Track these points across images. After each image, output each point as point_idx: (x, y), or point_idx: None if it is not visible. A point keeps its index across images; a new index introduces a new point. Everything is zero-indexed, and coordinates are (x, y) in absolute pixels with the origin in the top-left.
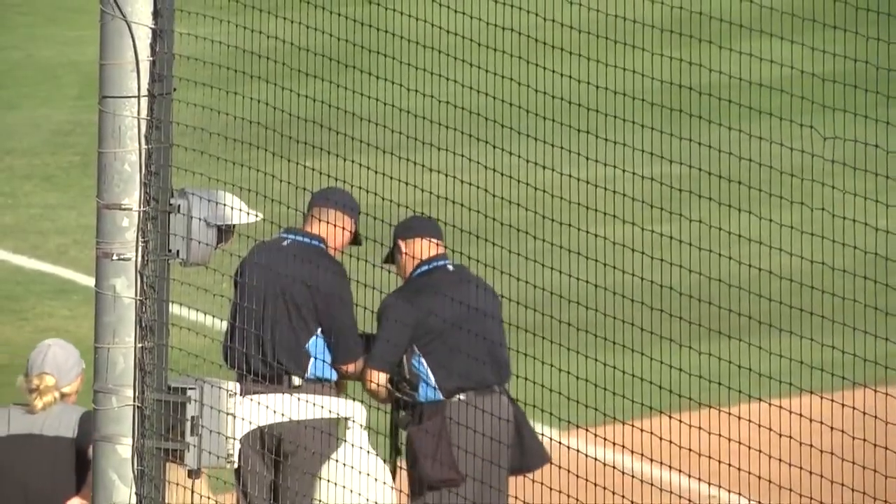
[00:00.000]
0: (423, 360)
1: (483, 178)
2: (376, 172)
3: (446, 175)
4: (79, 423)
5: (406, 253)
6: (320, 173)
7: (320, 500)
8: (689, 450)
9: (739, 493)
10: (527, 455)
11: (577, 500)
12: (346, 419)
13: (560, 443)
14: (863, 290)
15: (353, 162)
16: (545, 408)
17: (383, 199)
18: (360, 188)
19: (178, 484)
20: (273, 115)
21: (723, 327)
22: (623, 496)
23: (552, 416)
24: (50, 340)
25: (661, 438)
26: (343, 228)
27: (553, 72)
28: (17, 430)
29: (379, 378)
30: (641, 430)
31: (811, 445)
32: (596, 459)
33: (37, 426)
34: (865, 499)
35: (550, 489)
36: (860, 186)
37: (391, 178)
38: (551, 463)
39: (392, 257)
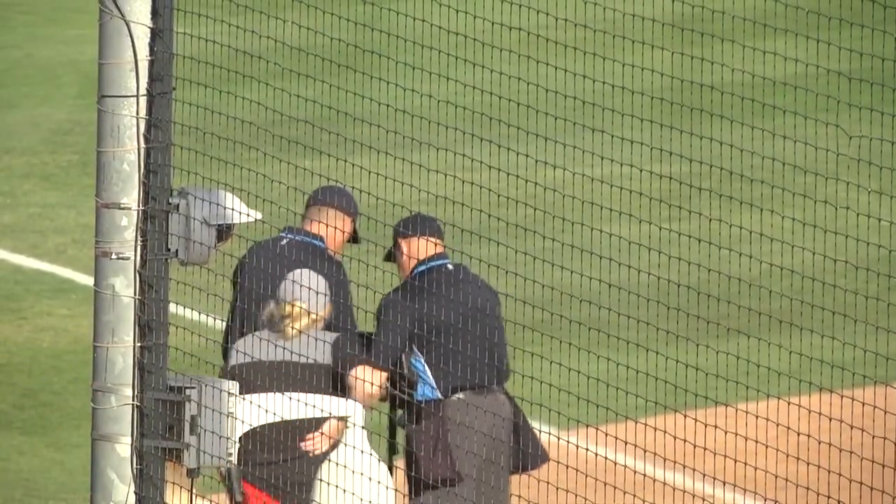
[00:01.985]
0: (421, 360)
1: (489, 176)
2: (377, 174)
3: (453, 176)
4: (333, 347)
5: (406, 252)
6: (321, 176)
7: (319, 500)
8: (704, 448)
9: (754, 492)
10: (525, 454)
11: (586, 499)
12: (345, 419)
13: (568, 442)
14: (885, 287)
15: (355, 165)
16: (554, 407)
17: (386, 201)
18: (364, 191)
19: (173, 483)
20: (273, 116)
21: (740, 325)
22: (635, 495)
23: (561, 416)
24: (300, 270)
25: (675, 437)
26: (342, 228)
27: (561, 69)
28: (269, 357)
29: (378, 377)
30: (655, 429)
31: (830, 444)
32: (607, 459)
33: (289, 353)
34: (884, 497)
35: (568, 491)
36: (878, 183)
37: (394, 180)
38: (558, 462)
39: (392, 256)
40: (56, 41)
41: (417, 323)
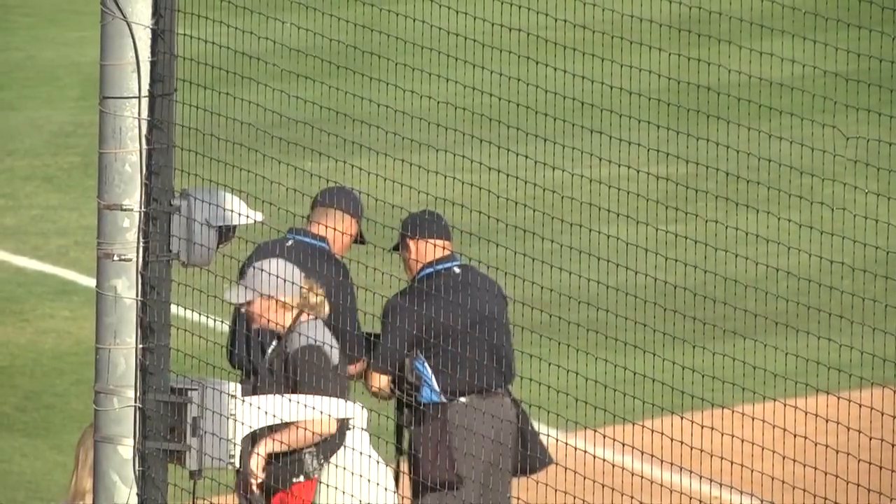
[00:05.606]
0: (425, 363)
1: (490, 178)
2: (378, 176)
3: (452, 178)
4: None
5: (413, 254)
6: (323, 178)
7: (321, 502)
8: (701, 450)
9: (752, 494)
10: (530, 457)
11: (591, 502)
12: (347, 420)
13: (575, 446)
14: (881, 288)
15: (355, 167)
16: (554, 409)
17: (386, 202)
18: (365, 192)
19: (176, 485)
20: (273, 118)
21: (736, 327)
22: (633, 497)
23: (561, 418)
24: (269, 259)
25: (671, 439)
26: (346, 229)
27: (562, 71)
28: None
29: (381, 380)
30: (653, 431)
31: (826, 445)
32: (605, 460)
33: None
34: (882, 499)
35: (572, 494)
36: (876, 184)
37: (395, 182)
38: (557, 464)
39: (399, 249)
40: (58, 43)
41: (422, 327)
